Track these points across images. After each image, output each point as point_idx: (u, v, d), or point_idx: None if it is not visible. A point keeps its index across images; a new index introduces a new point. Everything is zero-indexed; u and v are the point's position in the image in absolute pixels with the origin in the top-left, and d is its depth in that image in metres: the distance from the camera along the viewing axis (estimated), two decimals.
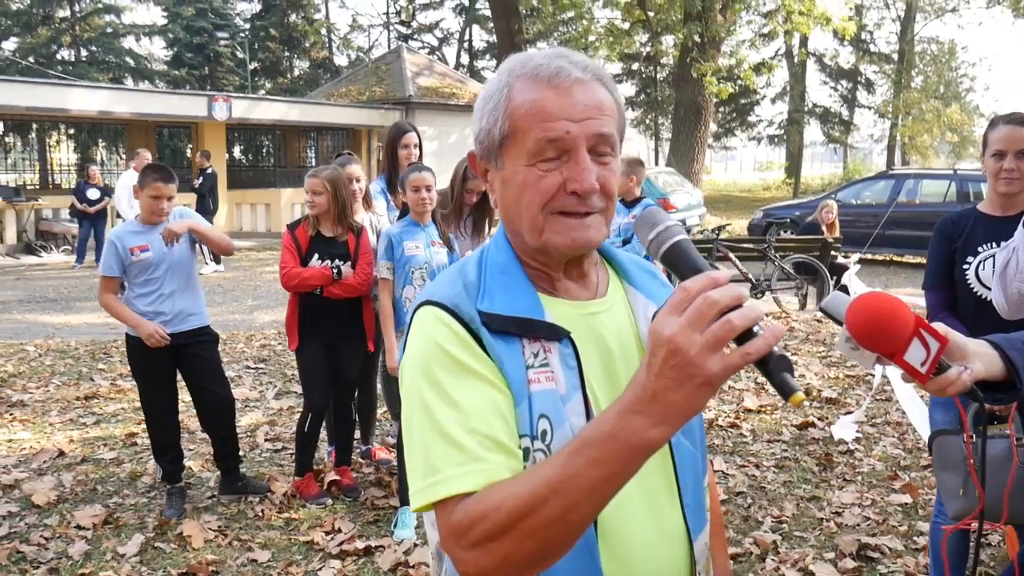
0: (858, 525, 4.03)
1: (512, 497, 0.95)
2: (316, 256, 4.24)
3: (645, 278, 1.28)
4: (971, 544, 3.14)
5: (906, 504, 4.26)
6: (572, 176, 1.09)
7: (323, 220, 4.30)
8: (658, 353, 0.87)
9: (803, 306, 10.13)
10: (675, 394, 0.87)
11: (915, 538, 3.87)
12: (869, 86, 38.66)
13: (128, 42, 37.55)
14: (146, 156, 12.49)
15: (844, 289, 8.30)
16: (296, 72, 42.61)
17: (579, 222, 1.11)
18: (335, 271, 4.21)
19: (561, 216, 1.11)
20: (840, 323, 1.26)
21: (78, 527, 4.04)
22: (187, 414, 5.10)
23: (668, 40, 27.92)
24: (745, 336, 0.87)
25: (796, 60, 34.92)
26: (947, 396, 1.29)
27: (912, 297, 9.35)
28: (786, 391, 0.89)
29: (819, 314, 9.46)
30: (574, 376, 1.11)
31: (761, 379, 6.42)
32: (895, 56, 36.24)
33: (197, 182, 14.43)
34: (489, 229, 4.73)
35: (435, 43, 41.80)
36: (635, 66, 36.47)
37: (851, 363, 7.14)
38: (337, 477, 4.49)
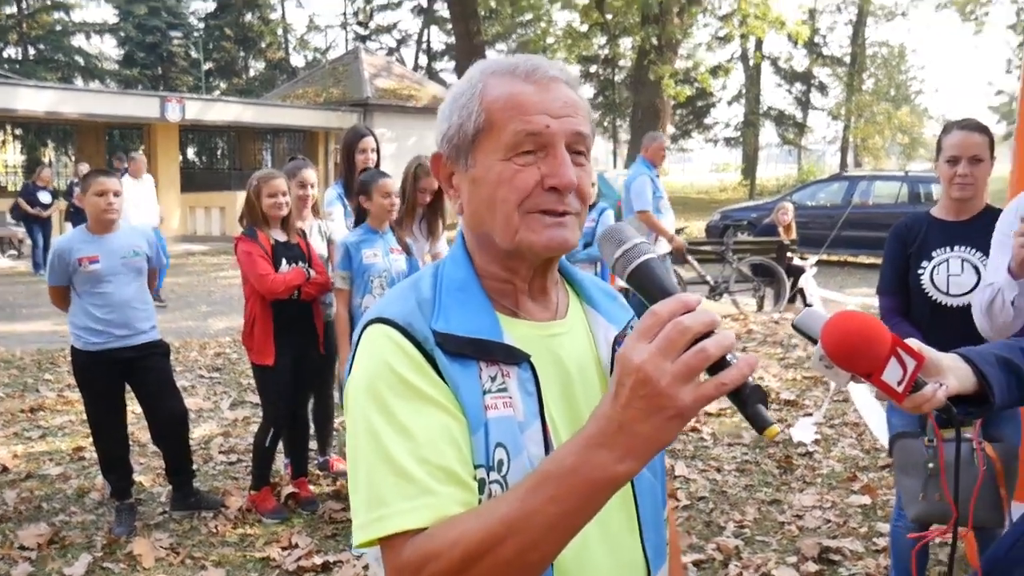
0: (819, 528, 4.05)
1: (468, 535, 0.89)
2: (284, 261, 4.13)
3: (605, 300, 1.22)
4: (931, 547, 3.16)
5: (865, 505, 4.29)
6: (551, 171, 1.04)
7: (275, 224, 4.18)
8: (626, 382, 0.82)
9: (760, 308, 10.21)
10: (643, 426, 0.82)
11: (875, 539, 3.90)
12: (822, 89, 39.29)
13: (78, 40, 36.85)
14: (141, 160, 11.69)
15: (802, 292, 8.40)
16: (252, 73, 42.11)
17: (556, 220, 1.05)
18: (306, 270, 4.13)
19: (538, 214, 1.05)
20: (814, 341, 1.22)
21: (21, 548, 3.88)
22: (137, 426, 4.97)
23: (626, 43, 28.14)
24: (717, 364, 0.83)
25: (751, 63, 35.37)
26: (922, 412, 1.27)
27: (867, 298, 9.48)
28: (760, 424, 0.85)
29: (776, 316, 9.55)
30: (533, 403, 1.05)
31: None
32: (847, 59, 36.89)
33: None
34: (443, 229, 4.64)
35: (393, 44, 41.57)
36: (593, 68, 36.67)
37: (809, 364, 7.20)
38: (294, 490, 4.39)
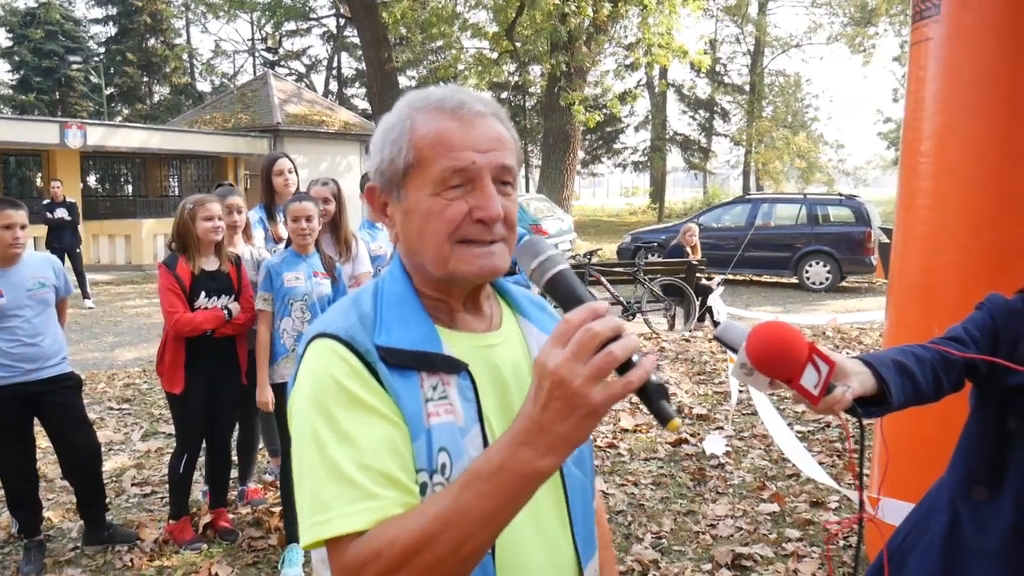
0: (731, 536, 4.21)
1: (405, 533, 0.95)
2: (203, 294, 4.03)
3: (536, 311, 1.30)
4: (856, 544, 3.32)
5: (775, 513, 4.48)
6: (478, 204, 1.10)
7: (206, 251, 4.11)
8: (544, 385, 0.90)
9: (672, 327, 10.51)
10: (561, 425, 0.90)
11: (784, 544, 4.07)
12: (724, 115, 40.75)
13: None
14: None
15: (710, 311, 8.69)
16: (156, 98, 41.01)
17: (485, 250, 1.12)
18: (226, 312, 4.04)
19: (467, 245, 1.11)
20: (734, 350, 1.33)
21: None
22: (44, 461, 4.80)
23: (536, 70, 28.59)
24: (624, 365, 0.91)
25: (657, 90, 36.45)
26: (833, 413, 1.39)
27: (770, 315, 9.87)
28: (664, 417, 0.93)
29: (687, 333, 9.85)
30: (472, 408, 1.11)
31: (636, 399, 6.60)
32: (747, 87, 38.41)
33: (59, 212, 13.03)
34: (355, 246, 4.51)
35: (303, 70, 41.18)
36: (504, 95, 37.13)
37: (719, 379, 7.45)
38: (212, 519, 4.31)
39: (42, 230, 13.73)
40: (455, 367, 1.12)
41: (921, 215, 3.38)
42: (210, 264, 4.10)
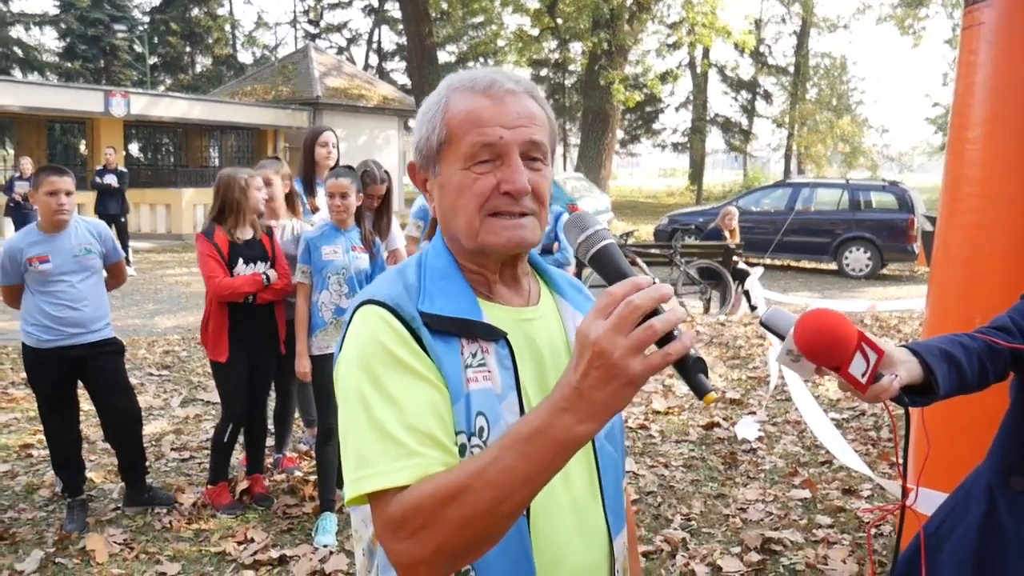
0: (761, 520, 4.20)
1: (445, 489, 0.98)
2: (241, 261, 4.13)
3: (572, 291, 1.34)
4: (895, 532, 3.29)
5: (806, 499, 4.46)
6: (505, 177, 1.14)
7: (241, 222, 4.20)
8: (584, 355, 0.92)
9: (707, 310, 10.44)
10: (600, 393, 0.92)
11: (814, 531, 4.06)
12: (767, 97, 40.07)
13: (16, 31, 35.78)
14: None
15: (747, 295, 8.61)
16: (198, 69, 41.36)
17: (514, 222, 1.16)
18: (265, 277, 4.14)
19: (496, 217, 1.15)
20: (780, 337, 1.32)
21: None
22: (87, 423, 4.92)
23: (576, 47, 28.36)
24: (665, 338, 0.93)
25: (699, 71, 35.95)
26: (880, 401, 1.38)
27: (807, 300, 9.76)
28: (701, 391, 0.95)
29: (723, 317, 9.79)
30: (510, 376, 1.16)
31: (669, 381, 6.60)
32: (791, 69, 37.71)
33: (108, 179, 13.18)
34: (390, 228, 4.59)
35: (343, 43, 41.26)
36: (544, 72, 36.90)
37: (753, 364, 7.41)
38: (249, 485, 4.40)
39: (88, 196, 13.98)
40: (494, 335, 1.16)
41: (967, 203, 3.31)
42: (246, 234, 4.19)
